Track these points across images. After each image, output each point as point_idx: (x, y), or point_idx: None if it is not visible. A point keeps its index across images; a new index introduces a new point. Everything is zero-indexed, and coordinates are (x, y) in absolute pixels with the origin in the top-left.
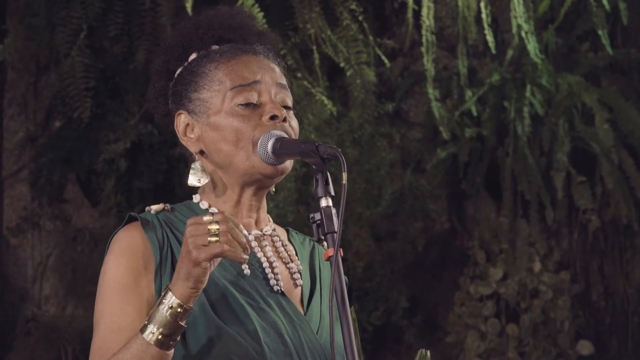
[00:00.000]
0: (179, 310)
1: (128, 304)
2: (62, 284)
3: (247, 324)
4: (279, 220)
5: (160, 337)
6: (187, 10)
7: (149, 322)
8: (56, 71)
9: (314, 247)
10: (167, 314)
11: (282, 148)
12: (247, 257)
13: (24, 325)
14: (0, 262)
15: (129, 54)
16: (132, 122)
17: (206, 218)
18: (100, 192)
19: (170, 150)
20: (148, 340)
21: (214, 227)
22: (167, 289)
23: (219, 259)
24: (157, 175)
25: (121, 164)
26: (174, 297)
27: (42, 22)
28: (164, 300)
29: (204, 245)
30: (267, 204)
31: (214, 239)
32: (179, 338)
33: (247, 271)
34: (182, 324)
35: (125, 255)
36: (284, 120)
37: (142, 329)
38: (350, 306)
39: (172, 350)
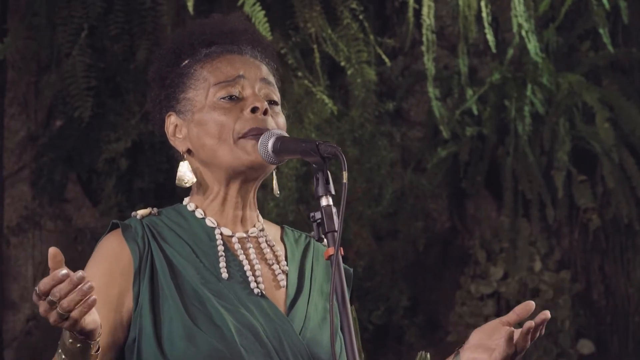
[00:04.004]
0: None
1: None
2: None
3: (223, 328)
4: (280, 219)
5: None
6: (189, 10)
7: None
8: (57, 71)
9: (308, 243)
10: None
11: (283, 147)
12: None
13: (24, 325)
14: (0, 262)
15: (130, 54)
16: (133, 122)
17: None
18: (101, 192)
19: (171, 150)
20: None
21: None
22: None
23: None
24: (158, 175)
25: (122, 164)
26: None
27: (43, 22)
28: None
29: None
30: (268, 204)
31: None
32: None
33: (225, 275)
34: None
35: (101, 262)
36: (265, 113)
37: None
38: (350, 305)
39: None
